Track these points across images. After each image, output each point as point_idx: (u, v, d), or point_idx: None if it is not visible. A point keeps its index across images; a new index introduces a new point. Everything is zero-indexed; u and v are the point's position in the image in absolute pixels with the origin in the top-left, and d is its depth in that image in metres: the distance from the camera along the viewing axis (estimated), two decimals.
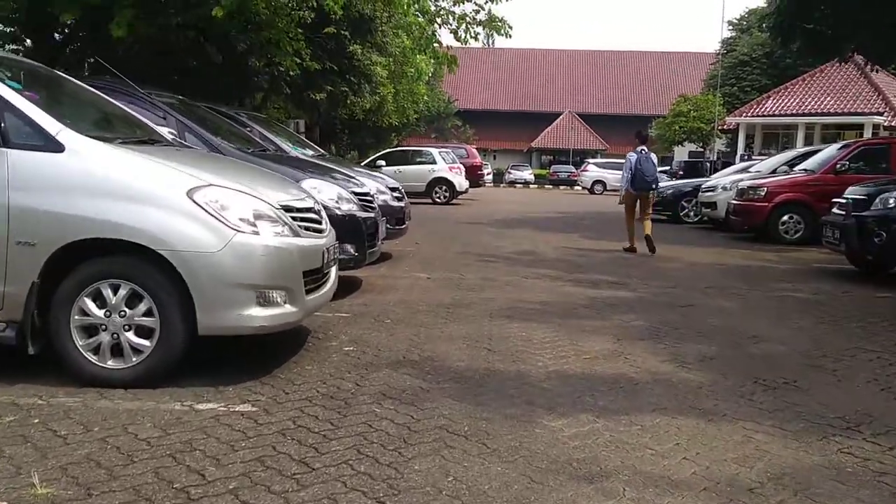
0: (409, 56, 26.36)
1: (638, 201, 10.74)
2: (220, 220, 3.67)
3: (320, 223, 4.43)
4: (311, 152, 8.78)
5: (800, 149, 17.20)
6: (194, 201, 3.67)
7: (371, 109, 28.79)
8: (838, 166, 11.92)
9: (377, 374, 4.07)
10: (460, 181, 22.05)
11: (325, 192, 6.06)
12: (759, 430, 3.35)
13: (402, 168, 21.61)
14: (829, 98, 31.54)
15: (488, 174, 43.52)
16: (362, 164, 22.49)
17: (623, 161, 11.19)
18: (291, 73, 16.56)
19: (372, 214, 6.61)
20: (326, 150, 39.16)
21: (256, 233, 3.76)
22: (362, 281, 7.18)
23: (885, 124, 29.17)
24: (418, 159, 22.38)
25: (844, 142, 14.20)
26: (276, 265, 3.78)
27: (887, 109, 29.55)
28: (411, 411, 3.46)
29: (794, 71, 36.42)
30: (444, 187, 21.80)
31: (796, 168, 13.22)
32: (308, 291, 4.09)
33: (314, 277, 4.20)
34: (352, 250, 6.15)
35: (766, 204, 12.29)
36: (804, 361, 4.66)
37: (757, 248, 11.69)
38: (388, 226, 8.25)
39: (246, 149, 6.29)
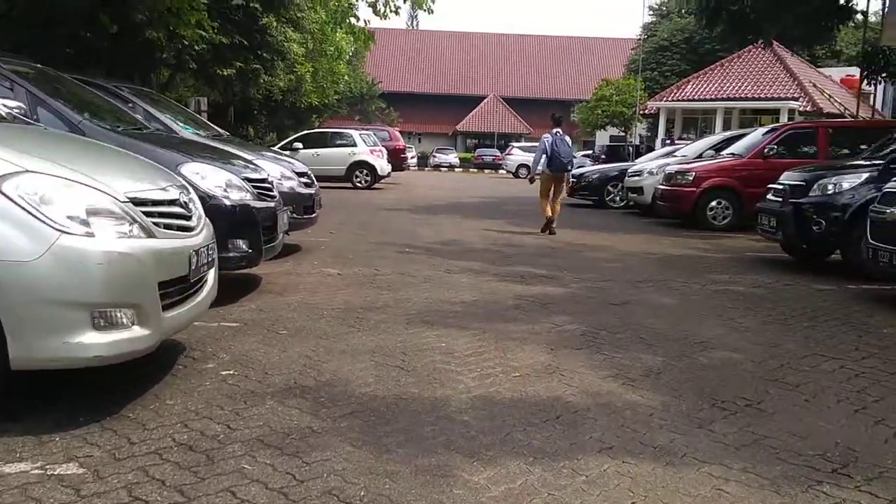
0: (329, 33, 25.26)
1: (553, 183, 10.91)
2: (38, 218, 2.77)
3: (189, 218, 3.56)
4: (206, 133, 7.78)
5: (725, 133, 17.06)
6: (2, 193, 2.76)
7: (289, 89, 27.54)
8: (766, 150, 11.65)
9: (258, 408, 3.25)
10: (382, 165, 21.14)
11: (210, 179, 5.16)
12: (729, 478, 2.70)
13: (320, 151, 20.61)
14: (746, 83, 32.00)
15: (412, 158, 42.70)
16: (277, 146, 21.36)
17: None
18: (197, 47, 15.36)
19: (270, 204, 5.73)
20: (243, 132, 37.67)
21: (91, 234, 2.87)
22: (261, 280, 6.30)
23: (801, 109, 29.72)
24: (338, 142, 21.35)
25: (771, 125, 14.06)
26: (118, 276, 2.91)
27: (802, 95, 30.11)
28: (294, 467, 2.67)
29: (713, 56, 36.93)
30: (364, 171, 20.86)
31: (723, 153, 12.94)
32: (169, 306, 3.23)
33: (178, 288, 3.34)
34: (244, 246, 5.27)
35: (694, 189, 11.95)
36: (761, 374, 4.08)
37: (686, 235, 11.31)
38: (295, 215, 7.40)
39: (116, 127, 5.30)
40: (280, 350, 4.20)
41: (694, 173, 12.00)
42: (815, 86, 29.53)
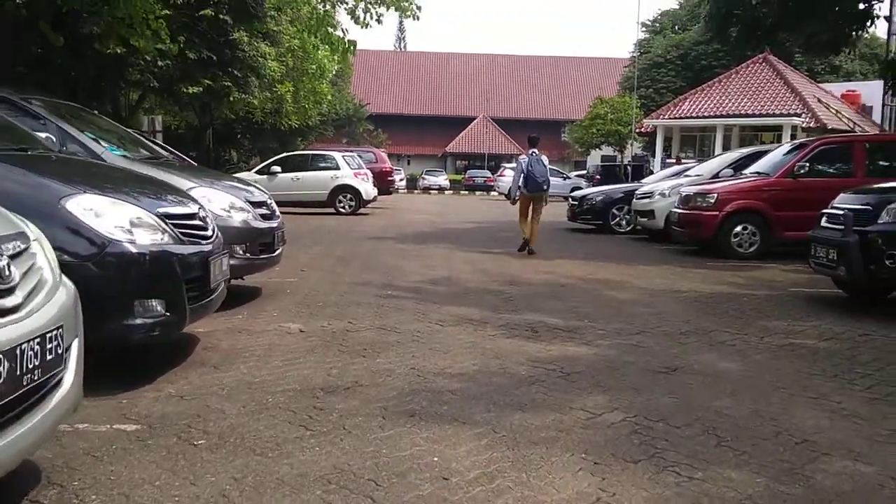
0: (310, 51, 24.01)
1: (531, 203, 10.88)
2: None
3: (7, 293, 2.12)
4: (139, 155, 6.34)
5: (742, 149, 15.76)
6: None
7: (270, 111, 26.25)
8: (796, 169, 10.33)
9: None
10: (367, 189, 19.72)
11: (108, 217, 3.71)
12: None
13: (300, 175, 19.23)
14: (746, 99, 30.89)
15: (401, 180, 41.43)
16: (254, 170, 19.97)
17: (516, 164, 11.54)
18: (160, 62, 14.01)
19: (202, 247, 4.28)
20: (225, 156, 36.29)
21: None
22: (198, 342, 4.86)
23: (804, 126, 28.63)
24: (320, 164, 19.92)
25: (799, 141, 12.78)
26: None
27: (805, 111, 29.01)
28: None
29: (710, 72, 35.97)
30: (348, 196, 19.42)
31: (746, 171, 11.60)
32: None
33: None
34: (159, 308, 3.82)
35: (716, 213, 10.57)
36: None
37: (710, 265, 9.90)
38: (249, 255, 5.96)
39: None
40: (186, 480, 2.74)
41: (716, 195, 10.63)
42: (819, 101, 28.44)
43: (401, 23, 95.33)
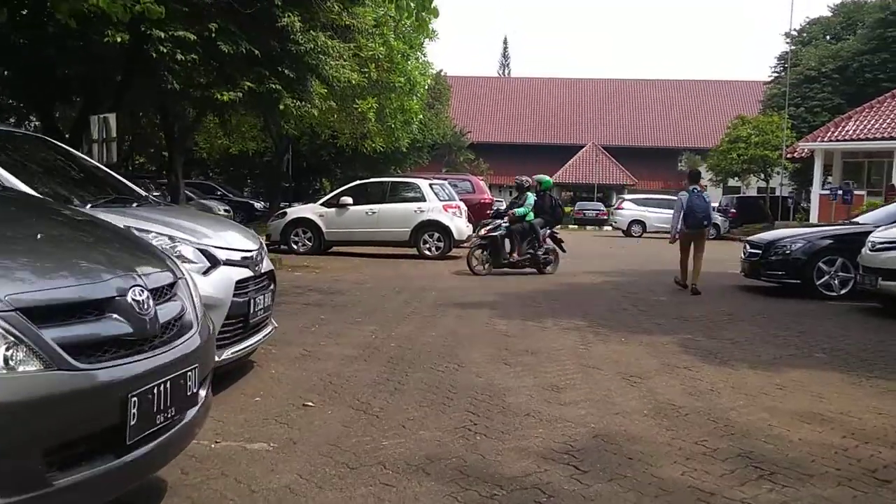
0: (398, 62, 20.27)
1: (692, 241, 10.54)
2: None
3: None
4: None
5: None
6: None
7: (357, 134, 22.68)
8: None
9: None
10: (459, 226, 15.38)
11: None
12: None
13: (377, 208, 15.25)
14: None
15: None
16: (320, 200, 16.19)
17: (675, 199, 11.39)
18: (180, 56, 10.36)
19: None
20: (316, 184, 33.14)
21: None
22: None
23: None
24: (401, 195, 15.86)
25: None
26: None
27: None
28: None
29: (875, 87, 29.95)
30: (436, 235, 15.17)
31: None
32: None
33: None
34: None
35: None
36: None
37: None
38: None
39: None
40: None
41: None
42: None
43: (505, 48, 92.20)
